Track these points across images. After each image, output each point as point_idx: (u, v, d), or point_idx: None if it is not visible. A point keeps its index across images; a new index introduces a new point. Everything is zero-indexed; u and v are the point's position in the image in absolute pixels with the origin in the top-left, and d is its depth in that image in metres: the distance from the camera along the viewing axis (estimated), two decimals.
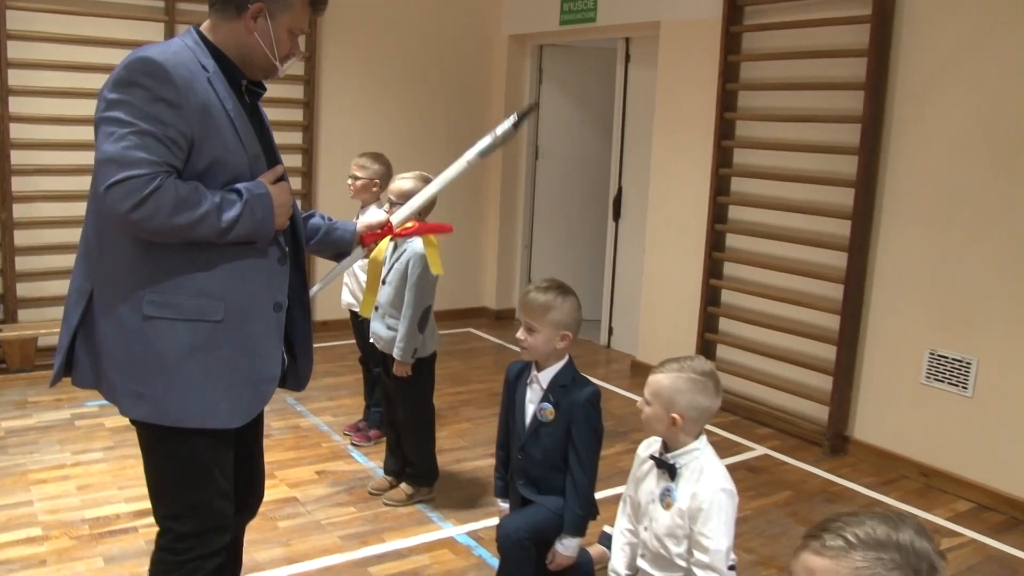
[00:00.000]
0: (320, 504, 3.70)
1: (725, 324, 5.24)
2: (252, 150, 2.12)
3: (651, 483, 2.52)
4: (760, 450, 4.62)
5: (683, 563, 2.40)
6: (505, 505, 3.02)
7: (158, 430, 2.08)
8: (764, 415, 4.96)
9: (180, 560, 2.15)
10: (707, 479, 2.41)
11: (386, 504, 3.73)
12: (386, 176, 4.18)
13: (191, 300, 2.03)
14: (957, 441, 4.14)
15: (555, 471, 2.82)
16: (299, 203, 6.18)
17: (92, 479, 3.80)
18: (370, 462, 4.15)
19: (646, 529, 2.48)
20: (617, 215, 6.35)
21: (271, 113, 6.06)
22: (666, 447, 2.49)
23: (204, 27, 2.15)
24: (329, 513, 3.62)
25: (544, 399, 2.80)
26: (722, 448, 4.58)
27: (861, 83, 4.30)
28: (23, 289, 5.33)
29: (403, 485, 3.81)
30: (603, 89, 6.60)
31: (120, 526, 3.38)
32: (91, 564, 3.10)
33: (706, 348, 5.25)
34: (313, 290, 2.47)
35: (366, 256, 2.63)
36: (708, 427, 4.77)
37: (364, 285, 3.61)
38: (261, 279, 2.13)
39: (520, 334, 2.80)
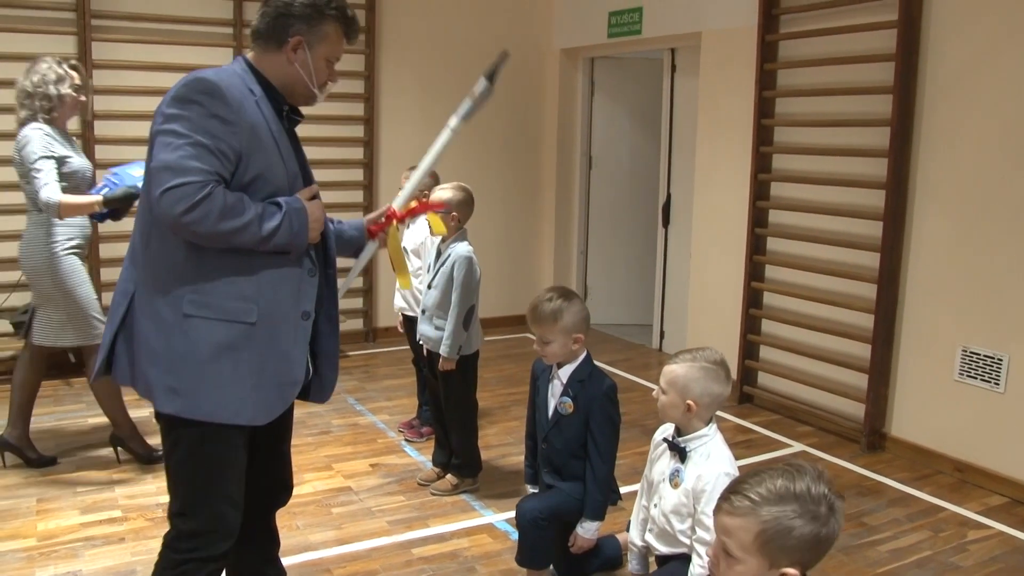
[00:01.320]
0: (372, 493, 3.99)
1: (767, 325, 5.38)
2: (292, 169, 2.29)
3: (663, 464, 2.72)
4: (798, 447, 4.75)
5: (686, 540, 2.60)
6: (534, 490, 3.26)
7: (180, 427, 2.20)
8: (804, 413, 5.08)
9: (178, 559, 2.25)
10: (713, 463, 2.60)
11: (433, 494, 3.99)
12: (432, 187, 4.45)
13: (228, 302, 2.17)
14: (990, 436, 4.22)
15: (576, 459, 3.04)
16: (361, 215, 6.50)
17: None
18: (420, 456, 4.43)
19: (655, 506, 2.69)
20: (667, 221, 6.53)
21: (333, 130, 6.54)
22: (679, 432, 2.69)
23: (250, 57, 2.35)
24: (380, 501, 3.90)
25: (564, 393, 3.03)
26: (760, 446, 4.75)
27: (889, 87, 4.42)
28: (107, 298, 5.76)
29: (449, 476, 4.07)
30: (651, 99, 6.79)
31: None
32: None
33: (748, 349, 5.40)
34: (340, 289, 2.59)
35: (383, 246, 2.71)
36: (749, 425, 4.96)
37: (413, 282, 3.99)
38: (292, 288, 2.27)
39: (536, 346, 3.04)
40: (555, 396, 3.07)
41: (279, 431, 2.49)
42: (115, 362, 2.25)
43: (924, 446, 4.51)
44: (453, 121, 2.71)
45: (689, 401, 2.60)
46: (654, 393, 2.75)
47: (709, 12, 5.62)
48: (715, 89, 5.65)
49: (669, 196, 6.48)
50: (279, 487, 2.60)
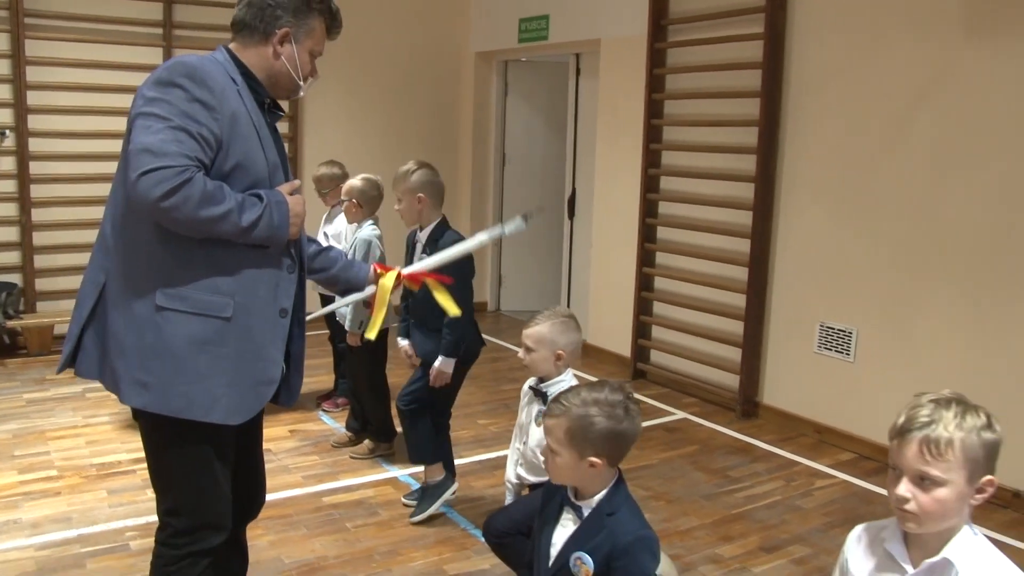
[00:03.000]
0: (289, 453, 4.40)
1: (657, 307, 5.90)
2: (272, 160, 2.23)
3: (530, 408, 3.18)
4: (680, 415, 5.28)
5: None
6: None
7: (163, 424, 2.14)
8: (689, 386, 5.62)
9: (176, 555, 2.22)
10: None
11: (352, 457, 4.40)
12: (342, 179, 4.87)
13: (204, 296, 2.11)
14: (843, 401, 4.79)
15: None
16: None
17: (99, 436, 4.52)
18: (336, 423, 4.84)
19: (524, 443, 3.15)
20: (572, 213, 7.03)
21: None
22: (541, 380, 3.15)
23: (232, 47, 2.29)
24: (296, 460, 4.31)
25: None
26: (648, 414, 5.26)
27: (758, 91, 4.97)
28: (41, 284, 6.06)
29: (366, 441, 4.49)
30: (560, 100, 7.28)
31: (122, 469, 4.09)
32: (96, 495, 3.81)
33: (641, 329, 5.92)
34: (313, 314, 2.64)
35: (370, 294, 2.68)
36: (640, 398, 5.45)
37: None
38: (271, 284, 2.22)
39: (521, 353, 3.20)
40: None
41: (253, 434, 2.46)
42: (81, 355, 2.20)
43: (790, 412, 5.06)
44: (483, 236, 2.78)
45: (559, 351, 3.05)
46: (520, 353, 3.16)
47: (607, 21, 6.14)
48: (613, 91, 6.16)
49: (574, 190, 6.98)
50: (250, 497, 2.52)
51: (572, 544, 2.08)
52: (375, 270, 2.64)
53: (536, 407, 3.12)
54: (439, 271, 2.73)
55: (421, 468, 4.22)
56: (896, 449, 1.68)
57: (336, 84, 7.06)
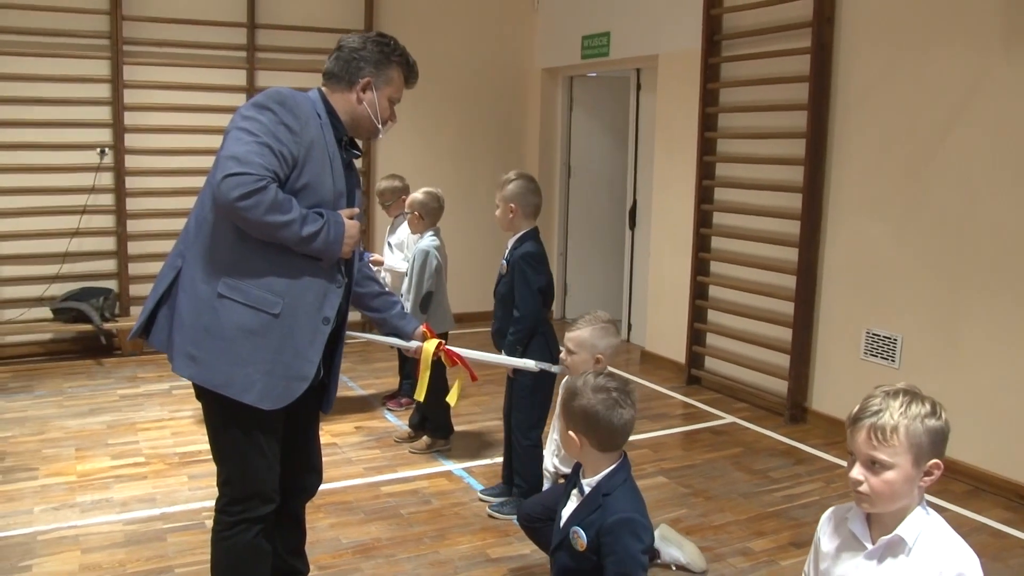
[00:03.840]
0: (353, 447, 4.73)
1: (711, 315, 6.07)
2: (339, 187, 2.53)
3: None
4: (730, 419, 5.44)
5: None
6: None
7: (216, 402, 2.44)
8: (740, 391, 5.77)
9: (230, 522, 2.53)
10: None
11: (411, 452, 4.70)
12: (403, 192, 5.19)
13: (259, 292, 2.40)
14: None
15: None
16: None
17: (183, 428, 4.93)
18: (399, 421, 5.16)
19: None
20: (633, 224, 7.24)
21: None
22: None
23: (324, 90, 2.63)
24: (359, 453, 4.64)
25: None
26: (697, 418, 5.45)
27: (805, 104, 5.12)
28: (134, 290, 6.56)
29: (424, 437, 4.78)
30: (623, 114, 7.50)
31: (201, 458, 4.47)
32: (178, 479, 4.21)
33: (696, 336, 6.10)
34: (360, 336, 3.16)
35: (417, 354, 3.10)
36: (693, 402, 5.64)
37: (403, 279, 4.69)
38: (319, 293, 2.50)
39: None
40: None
41: (307, 417, 2.77)
42: (154, 327, 2.50)
43: (837, 417, 5.16)
44: (531, 364, 3.49)
45: (598, 355, 3.28)
46: (562, 355, 3.40)
47: (664, 37, 6.34)
48: (670, 105, 6.36)
49: (635, 201, 7.19)
50: (304, 471, 2.83)
51: (573, 518, 2.32)
52: (424, 331, 3.05)
53: None
54: (473, 365, 3.19)
55: (475, 463, 4.51)
56: (850, 436, 1.88)
57: (406, 100, 7.36)
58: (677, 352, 6.30)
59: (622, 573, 2.21)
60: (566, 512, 2.37)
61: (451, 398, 3.29)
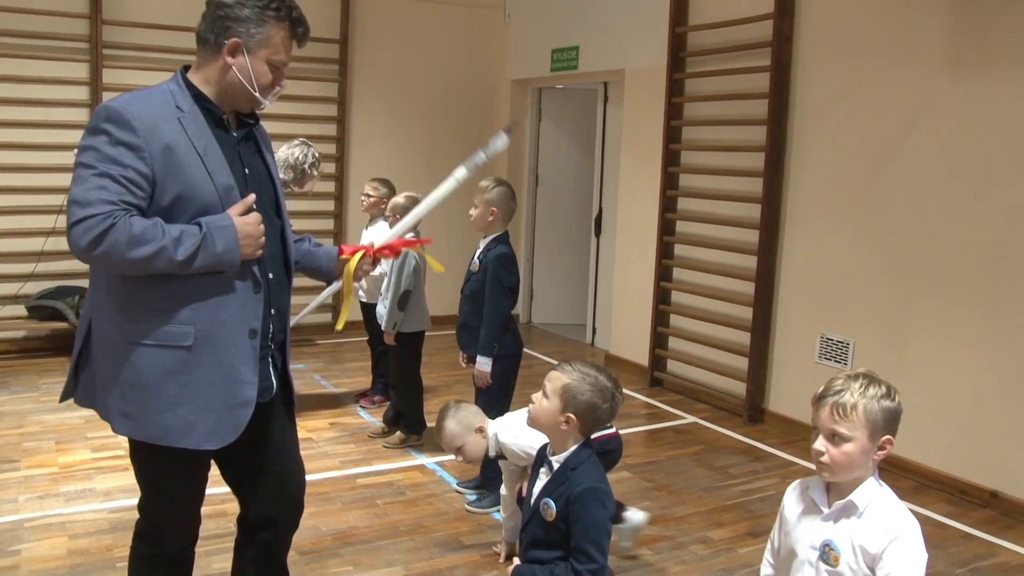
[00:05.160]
0: (329, 442, 4.88)
1: (674, 320, 6.31)
2: (223, 182, 2.20)
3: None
4: (691, 419, 5.67)
5: None
6: None
7: (135, 444, 2.29)
8: (701, 393, 6.00)
9: (139, 550, 2.46)
10: None
11: (384, 447, 4.86)
12: (390, 196, 5.37)
13: (163, 327, 2.16)
14: None
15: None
16: (330, 223, 7.28)
17: None
18: (372, 418, 5.32)
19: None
20: (598, 231, 7.47)
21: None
22: None
23: (191, 69, 2.29)
24: (335, 447, 4.80)
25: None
26: (660, 418, 5.68)
27: (764, 119, 5.38)
28: None
29: (398, 432, 4.95)
30: (590, 126, 7.73)
31: None
32: None
33: (659, 340, 6.33)
34: (295, 318, 2.68)
35: (339, 275, 2.65)
36: (655, 403, 5.84)
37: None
38: (235, 307, 2.23)
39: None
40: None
41: (260, 439, 2.41)
42: (78, 387, 2.33)
43: (793, 418, 5.41)
44: (460, 172, 2.77)
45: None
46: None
47: (631, 52, 6.59)
48: (636, 118, 6.60)
49: (601, 210, 7.42)
50: (274, 499, 2.51)
51: (544, 492, 2.52)
52: (344, 258, 2.60)
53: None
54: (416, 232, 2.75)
55: (448, 458, 4.68)
56: (815, 412, 2.11)
57: (382, 106, 7.61)
58: (640, 355, 6.52)
59: (589, 538, 2.41)
60: (537, 488, 2.56)
61: (339, 323, 2.72)
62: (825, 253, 5.21)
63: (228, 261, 2.17)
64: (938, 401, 4.58)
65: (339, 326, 2.73)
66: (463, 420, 3.43)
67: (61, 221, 6.39)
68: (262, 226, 2.25)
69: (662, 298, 6.32)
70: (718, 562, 3.69)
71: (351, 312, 2.78)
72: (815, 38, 5.21)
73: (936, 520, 4.19)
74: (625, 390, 6.13)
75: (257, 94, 2.27)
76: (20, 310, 6.38)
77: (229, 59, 2.22)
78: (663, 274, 6.29)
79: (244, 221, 2.20)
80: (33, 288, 6.41)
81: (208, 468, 2.41)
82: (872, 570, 2.02)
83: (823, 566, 2.09)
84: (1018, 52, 4.20)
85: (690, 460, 4.91)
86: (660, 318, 6.33)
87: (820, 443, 2.08)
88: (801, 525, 2.17)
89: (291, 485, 2.54)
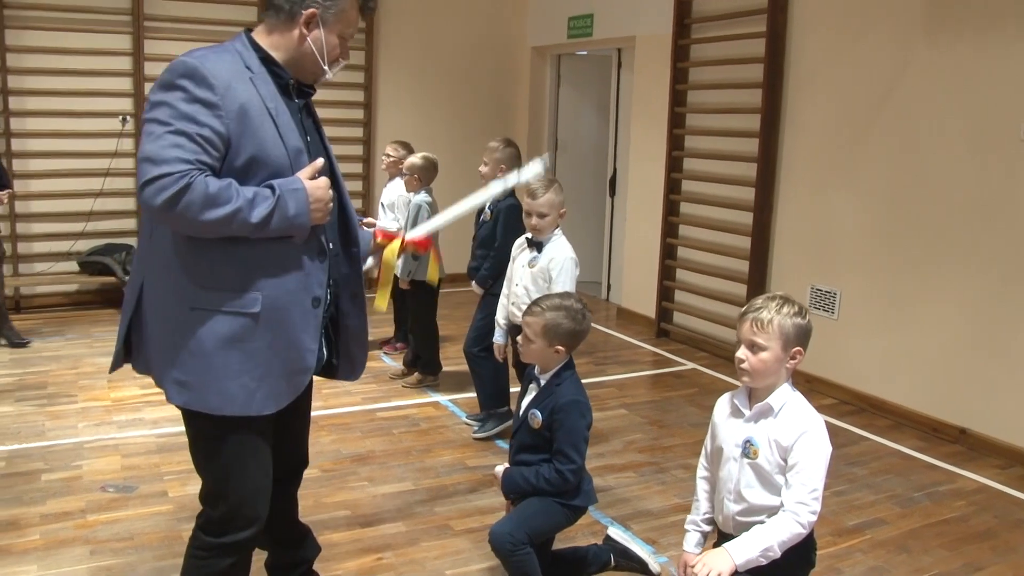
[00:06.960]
0: (353, 382, 5.34)
1: (680, 274, 6.68)
2: (294, 145, 2.17)
3: (522, 255, 4.08)
4: (691, 365, 6.06)
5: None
6: None
7: (200, 419, 2.18)
8: (703, 342, 6.39)
9: (208, 543, 2.29)
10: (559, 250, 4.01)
11: (403, 386, 5.32)
12: (406, 156, 5.79)
13: (231, 293, 2.11)
14: (828, 354, 5.49)
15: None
16: (358, 184, 7.70)
17: None
18: (394, 362, 5.78)
19: (517, 285, 4.04)
20: (612, 192, 7.83)
21: (337, 113, 7.70)
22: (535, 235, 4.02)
23: (257, 31, 2.25)
24: (358, 387, 5.25)
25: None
26: (662, 365, 6.07)
27: (760, 83, 5.70)
28: None
29: (416, 373, 5.41)
30: (606, 90, 8.07)
31: None
32: None
33: (665, 293, 6.71)
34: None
35: (377, 264, 2.74)
36: (661, 352, 6.23)
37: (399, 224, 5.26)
38: (299, 274, 2.18)
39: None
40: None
41: (295, 408, 2.39)
42: (132, 351, 2.27)
43: None
44: (496, 186, 3.02)
45: (563, 211, 3.99)
46: (533, 220, 3.95)
47: (641, 19, 6.91)
48: (646, 82, 6.94)
49: (615, 171, 7.78)
50: (292, 459, 2.59)
51: (532, 404, 2.94)
52: (378, 241, 2.66)
53: (526, 254, 4.03)
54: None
55: (460, 396, 5.13)
56: (739, 326, 2.49)
57: (407, 72, 8.01)
58: (649, 308, 6.91)
59: (570, 442, 2.83)
60: (525, 401, 2.98)
61: (380, 302, 2.83)
62: (816, 209, 5.54)
63: (299, 225, 2.13)
64: (915, 346, 4.93)
65: (383, 306, 2.85)
66: (557, 196, 3.97)
67: (108, 183, 6.94)
68: (331, 191, 2.23)
69: (668, 253, 6.69)
70: (694, 484, 4.08)
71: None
72: (807, 5, 5.51)
73: (904, 453, 4.56)
74: (634, 340, 6.65)
75: (326, 66, 2.27)
76: (72, 266, 6.93)
77: (304, 30, 2.21)
78: (669, 231, 6.65)
79: (315, 185, 2.17)
80: (83, 246, 6.95)
81: (271, 433, 2.33)
82: (784, 460, 2.42)
83: (745, 460, 2.49)
84: (993, 15, 4.49)
85: (684, 400, 5.31)
86: (666, 272, 6.71)
87: (742, 352, 2.45)
88: (727, 427, 2.57)
89: (305, 442, 2.68)
